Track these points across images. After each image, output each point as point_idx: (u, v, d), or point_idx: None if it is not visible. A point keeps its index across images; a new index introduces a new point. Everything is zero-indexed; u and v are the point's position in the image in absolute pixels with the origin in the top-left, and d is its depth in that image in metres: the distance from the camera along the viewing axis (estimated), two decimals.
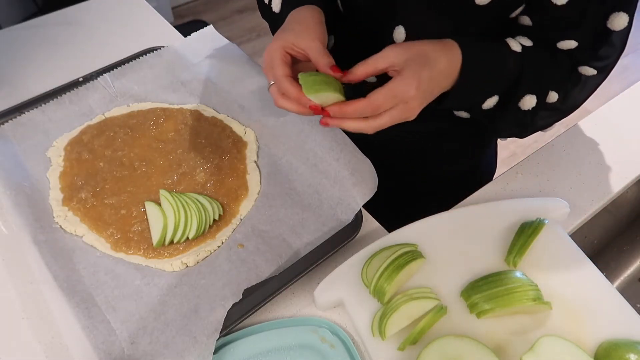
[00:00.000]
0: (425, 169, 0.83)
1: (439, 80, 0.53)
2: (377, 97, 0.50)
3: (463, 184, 0.78)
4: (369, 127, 0.52)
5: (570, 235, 0.63)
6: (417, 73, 0.50)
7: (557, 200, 0.64)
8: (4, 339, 0.56)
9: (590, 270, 0.58)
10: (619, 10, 0.52)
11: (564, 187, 0.70)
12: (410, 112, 0.52)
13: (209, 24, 0.92)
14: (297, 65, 0.56)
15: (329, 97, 0.52)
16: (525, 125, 0.63)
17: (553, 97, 0.60)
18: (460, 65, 0.53)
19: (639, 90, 0.85)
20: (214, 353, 0.53)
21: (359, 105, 0.50)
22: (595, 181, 0.71)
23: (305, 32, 0.52)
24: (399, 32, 0.58)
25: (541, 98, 0.59)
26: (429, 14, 0.55)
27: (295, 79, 0.52)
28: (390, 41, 0.59)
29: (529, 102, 0.59)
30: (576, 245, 0.60)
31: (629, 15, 0.53)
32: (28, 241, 0.60)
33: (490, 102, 0.60)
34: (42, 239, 0.61)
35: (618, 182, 0.71)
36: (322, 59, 0.50)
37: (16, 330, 0.56)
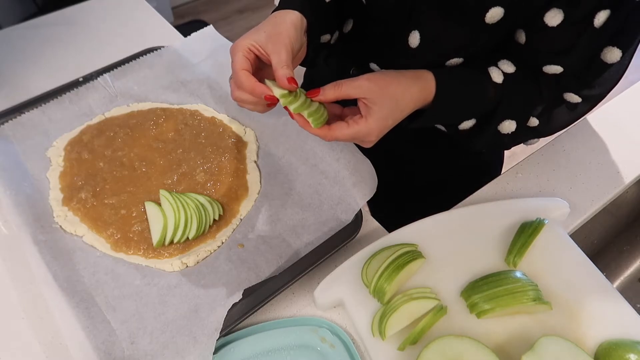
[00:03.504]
0: (429, 164, 0.83)
1: (404, 115, 0.56)
2: (339, 134, 0.54)
3: (468, 179, 0.78)
4: (324, 138, 0.55)
5: (570, 235, 0.63)
6: (383, 121, 0.54)
7: (557, 200, 0.64)
8: (4, 339, 0.56)
9: (590, 270, 0.58)
10: (613, 45, 0.53)
11: (564, 187, 0.70)
12: (366, 145, 0.57)
13: (209, 24, 0.92)
14: (263, 70, 0.57)
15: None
16: (504, 144, 0.64)
17: (534, 122, 0.61)
18: (434, 96, 0.56)
19: (639, 90, 0.85)
20: (214, 353, 0.53)
21: (319, 132, 0.54)
22: (595, 181, 0.71)
23: (276, 37, 0.53)
24: (414, 37, 0.59)
25: (521, 123, 0.61)
26: (443, 24, 0.57)
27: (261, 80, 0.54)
28: (405, 44, 0.60)
29: (508, 126, 0.60)
30: (576, 245, 0.60)
31: (622, 51, 0.53)
32: (28, 241, 0.60)
33: (467, 124, 0.62)
34: (42, 239, 0.61)
35: (618, 182, 0.71)
36: (281, 70, 0.51)
37: (16, 330, 0.56)
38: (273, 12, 0.57)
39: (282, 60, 0.51)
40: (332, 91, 0.54)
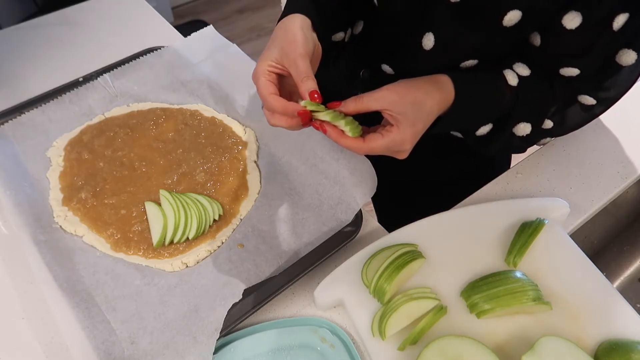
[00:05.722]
0: (433, 165, 0.83)
1: (431, 119, 0.55)
2: (374, 145, 0.53)
3: (474, 179, 0.78)
4: (359, 150, 0.54)
5: (570, 235, 0.63)
6: (414, 127, 0.53)
7: (557, 200, 0.64)
8: (4, 339, 0.56)
9: (590, 270, 0.58)
10: (628, 48, 0.53)
11: (564, 187, 0.70)
12: (402, 155, 0.56)
13: (209, 24, 0.92)
14: (285, 83, 0.56)
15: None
16: (518, 147, 0.64)
17: (548, 124, 0.61)
18: (453, 99, 0.56)
19: (639, 91, 0.85)
20: (214, 353, 0.53)
21: (354, 144, 0.53)
22: (595, 181, 0.71)
23: (288, 48, 0.52)
24: (428, 39, 0.59)
25: (536, 125, 0.61)
26: (458, 27, 0.56)
27: (286, 96, 0.54)
28: (419, 46, 0.60)
29: (523, 129, 0.60)
30: (576, 245, 0.60)
31: (637, 54, 0.53)
32: (28, 241, 0.60)
33: (484, 129, 0.62)
34: (42, 239, 0.61)
35: (618, 182, 0.71)
36: (303, 84, 0.51)
37: (16, 330, 0.56)
38: (279, 20, 0.57)
39: (302, 72, 0.51)
40: (353, 103, 0.53)
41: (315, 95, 0.50)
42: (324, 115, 0.51)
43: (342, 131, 0.53)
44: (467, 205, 0.66)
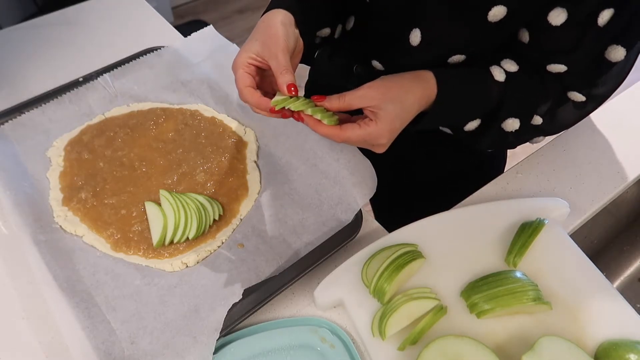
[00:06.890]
0: (430, 163, 0.83)
1: (411, 116, 0.57)
2: (351, 135, 0.54)
3: (470, 178, 0.78)
4: (337, 138, 0.55)
5: (570, 235, 0.63)
6: (391, 124, 0.54)
7: (557, 200, 0.64)
8: (4, 339, 0.56)
9: (590, 270, 0.58)
10: (617, 44, 0.53)
11: (564, 187, 0.70)
12: (378, 149, 0.57)
13: (209, 24, 0.92)
14: (267, 78, 0.58)
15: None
16: (509, 143, 0.65)
17: (537, 120, 0.61)
18: (435, 95, 0.57)
19: (639, 90, 0.85)
20: (214, 353, 0.53)
21: (330, 132, 0.54)
22: (595, 181, 0.71)
23: (269, 42, 0.54)
24: (415, 35, 0.59)
25: (525, 121, 0.61)
26: (444, 23, 0.57)
27: (265, 90, 0.56)
28: (406, 42, 0.61)
29: (511, 125, 0.61)
30: (576, 245, 0.60)
31: (626, 50, 0.53)
32: (28, 241, 0.60)
33: (472, 125, 0.62)
34: (42, 239, 0.61)
35: (618, 182, 0.71)
36: (281, 77, 0.52)
37: (16, 330, 0.56)
38: (263, 14, 0.58)
39: (281, 65, 0.52)
40: (336, 101, 0.55)
41: (292, 88, 0.52)
42: (293, 106, 0.53)
43: (319, 120, 0.54)
44: (467, 205, 0.66)
